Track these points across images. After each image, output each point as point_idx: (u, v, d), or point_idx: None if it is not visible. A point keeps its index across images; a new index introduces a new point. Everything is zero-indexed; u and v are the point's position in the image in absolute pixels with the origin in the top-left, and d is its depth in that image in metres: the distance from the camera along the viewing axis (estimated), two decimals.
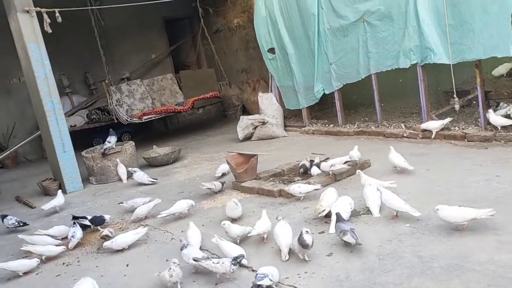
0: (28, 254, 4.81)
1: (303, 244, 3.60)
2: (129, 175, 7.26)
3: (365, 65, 7.37)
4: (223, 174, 6.48)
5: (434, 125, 6.47)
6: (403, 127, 7.11)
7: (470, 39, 6.03)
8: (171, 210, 5.08)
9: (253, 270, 3.60)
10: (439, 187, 4.72)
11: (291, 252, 3.76)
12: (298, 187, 5.04)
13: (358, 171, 5.08)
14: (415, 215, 3.99)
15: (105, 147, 7.68)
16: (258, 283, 3.19)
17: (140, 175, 7.00)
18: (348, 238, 3.72)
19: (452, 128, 6.48)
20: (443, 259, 3.33)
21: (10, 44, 7.90)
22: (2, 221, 5.82)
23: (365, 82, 7.58)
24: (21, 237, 5.01)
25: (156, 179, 7.01)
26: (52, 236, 5.02)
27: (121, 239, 4.53)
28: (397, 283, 3.14)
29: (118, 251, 4.51)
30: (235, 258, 3.52)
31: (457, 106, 6.50)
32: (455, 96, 6.45)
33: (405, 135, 6.84)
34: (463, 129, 6.38)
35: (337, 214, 4.02)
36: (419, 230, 3.85)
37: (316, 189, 4.99)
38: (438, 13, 6.30)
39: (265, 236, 4.15)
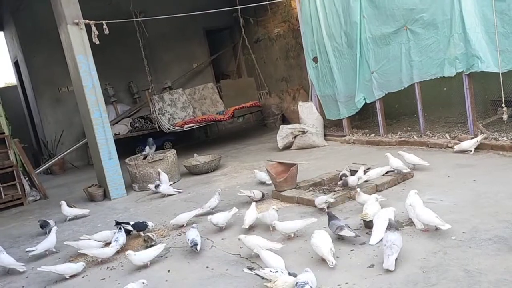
0: (74, 259, 4.99)
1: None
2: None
3: (408, 74, 7.23)
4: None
5: (467, 144, 6.24)
6: (448, 137, 6.91)
7: None
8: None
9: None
10: (487, 199, 4.55)
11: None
12: (316, 198, 5.07)
13: (357, 189, 4.95)
14: (443, 228, 3.88)
15: (144, 153, 7.99)
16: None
17: (166, 188, 7.08)
18: (345, 232, 3.99)
19: (500, 139, 6.25)
20: (491, 273, 3.20)
21: (60, 55, 8.26)
22: (42, 228, 6.03)
23: (408, 91, 7.43)
24: (67, 243, 5.18)
25: (182, 190, 7.11)
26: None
27: (143, 255, 4.43)
28: None
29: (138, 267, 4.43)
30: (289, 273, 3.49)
31: (505, 116, 6.25)
32: (503, 105, 6.22)
33: (449, 145, 6.65)
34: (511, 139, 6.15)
35: (328, 213, 4.31)
36: (465, 243, 3.72)
37: (330, 202, 4.97)
38: (486, 21, 6.12)
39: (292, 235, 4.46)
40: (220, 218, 5.02)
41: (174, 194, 7.01)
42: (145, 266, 4.40)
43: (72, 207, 6.89)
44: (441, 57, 6.73)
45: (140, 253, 4.45)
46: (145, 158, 7.91)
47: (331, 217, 4.23)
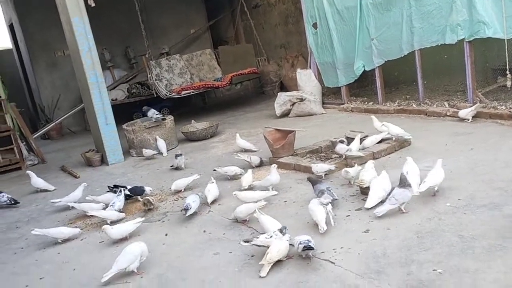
0: (72, 222, 5.04)
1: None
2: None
3: (408, 41, 7.14)
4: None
5: (463, 113, 6.22)
6: (447, 105, 6.88)
7: None
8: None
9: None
10: (483, 167, 4.57)
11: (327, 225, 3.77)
12: (316, 166, 5.09)
13: (346, 168, 4.82)
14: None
15: (156, 116, 7.83)
16: (310, 244, 3.30)
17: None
18: (325, 197, 4.02)
19: (499, 107, 6.23)
20: (485, 239, 3.24)
21: (55, 18, 8.10)
22: None
23: (408, 58, 7.35)
24: (71, 205, 5.30)
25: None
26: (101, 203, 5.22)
27: (121, 228, 4.35)
28: (435, 261, 3.08)
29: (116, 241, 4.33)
30: (280, 230, 3.54)
31: (509, 83, 6.19)
32: (508, 72, 6.16)
33: (448, 114, 6.63)
34: (510, 108, 6.12)
35: (309, 179, 4.49)
36: (460, 209, 3.76)
37: (331, 170, 5.01)
38: None
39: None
40: (213, 191, 4.90)
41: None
42: (124, 239, 4.30)
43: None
44: (442, 24, 6.63)
45: (117, 227, 4.37)
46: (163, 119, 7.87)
47: (314, 182, 4.36)
